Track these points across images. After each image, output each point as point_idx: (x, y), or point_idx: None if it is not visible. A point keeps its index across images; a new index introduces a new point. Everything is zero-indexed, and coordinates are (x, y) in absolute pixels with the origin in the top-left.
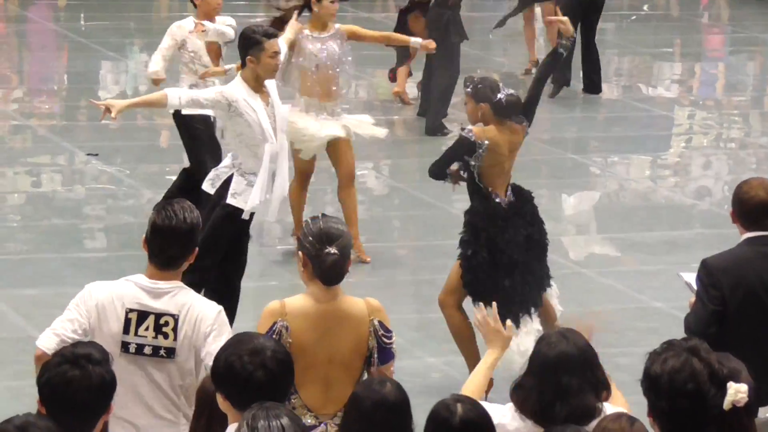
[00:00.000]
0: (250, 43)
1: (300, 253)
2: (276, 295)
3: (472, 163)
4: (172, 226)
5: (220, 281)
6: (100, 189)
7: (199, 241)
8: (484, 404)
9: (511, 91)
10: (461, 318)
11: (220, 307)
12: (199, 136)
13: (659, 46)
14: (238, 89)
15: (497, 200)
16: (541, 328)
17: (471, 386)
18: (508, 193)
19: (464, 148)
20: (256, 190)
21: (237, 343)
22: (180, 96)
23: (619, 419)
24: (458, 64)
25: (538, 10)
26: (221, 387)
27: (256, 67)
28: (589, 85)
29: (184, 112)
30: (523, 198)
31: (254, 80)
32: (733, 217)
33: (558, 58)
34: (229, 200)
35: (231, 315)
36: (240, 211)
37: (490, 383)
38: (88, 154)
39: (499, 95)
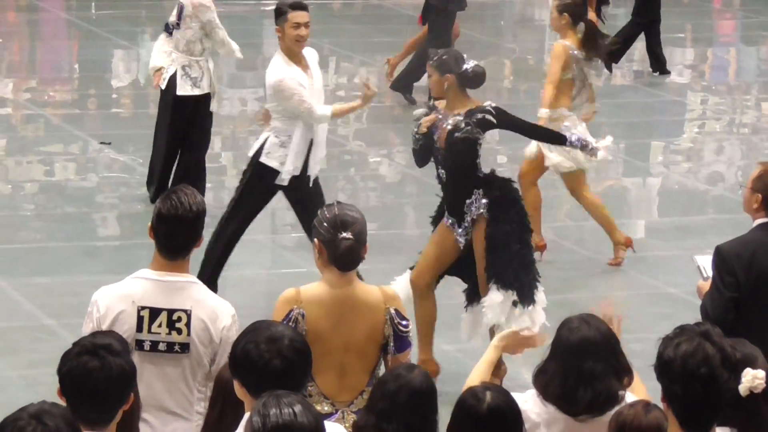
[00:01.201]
0: (276, 14)
1: (315, 240)
2: (288, 283)
3: (480, 140)
4: (179, 214)
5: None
6: (112, 177)
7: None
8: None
9: (477, 62)
10: (432, 301)
11: (233, 309)
12: (175, 127)
13: (671, 31)
14: (276, 60)
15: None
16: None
17: (476, 380)
18: None
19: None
20: (291, 156)
21: (255, 330)
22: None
23: (635, 406)
24: (450, 33)
25: None
26: (238, 374)
27: (282, 37)
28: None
29: (180, 93)
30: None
31: (287, 51)
32: (748, 202)
33: None
34: (262, 158)
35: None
36: (269, 169)
37: (504, 370)
38: (101, 143)
39: (464, 66)
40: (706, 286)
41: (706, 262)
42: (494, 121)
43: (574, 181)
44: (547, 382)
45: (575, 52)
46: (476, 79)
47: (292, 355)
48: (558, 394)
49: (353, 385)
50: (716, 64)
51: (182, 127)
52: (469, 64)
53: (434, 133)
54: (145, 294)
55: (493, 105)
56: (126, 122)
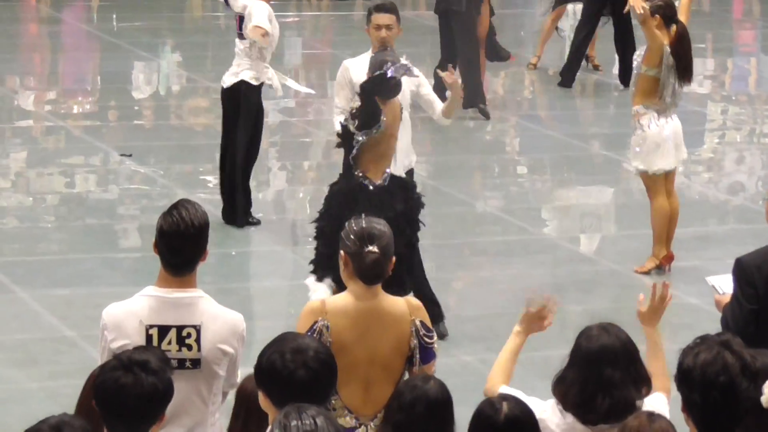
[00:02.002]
0: (366, 15)
1: (342, 251)
2: (308, 295)
3: (359, 138)
4: (180, 230)
5: None
6: (133, 189)
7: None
8: (527, 399)
9: (396, 74)
10: None
11: (242, 318)
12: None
13: (691, 41)
14: (360, 58)
15: (365, 183)
16: None
17: (499, 371)
18: (384, 176)
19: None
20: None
21: (280, 341)
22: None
23: (639, 416)
24: (476, 34)
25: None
26: (262, 385)
27: (371, 39)
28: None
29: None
30: (400, 187)
31: (375, 51)
32: None
33: None
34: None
35: None
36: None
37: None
38: (122, 155)
39: (385, 69)
40: (724, 299)
41: (719, 281)
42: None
43: (649, 181)
44: (566, 390)
45: (668, 52)
46: (390, 87)
47: (317, 366)
48: (577, 401)
49: (377, 398)
50: (737, 74)
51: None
52: (391, 70)
53: None
54: (152, 312)
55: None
56: (147, 134)
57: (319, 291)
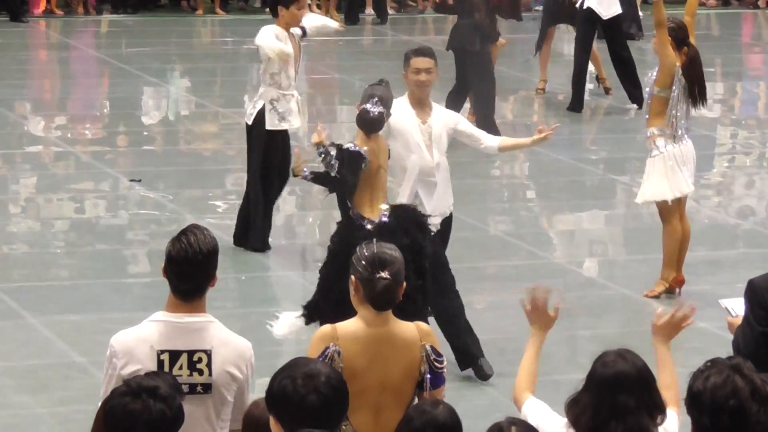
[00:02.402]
0: (404, 60)
1: (352, 277)
2: None
3: (333, 174)
4: (189, 257)
5: None
6: (143, 214)
7: None
8: (542, 415)
9: (379, 109)
10: None
11: (250, 345)
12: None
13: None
14: (402, 101)
15: (363, 223)
16: None
17: (525, 376)
18: (383, 213)
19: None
20: (404, 197)
21: (292, 366)
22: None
23: None
24: (490, 71)
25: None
26: (273, 410)
27: (406, 81)
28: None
29: (269, 128)
30: (404, 217)
31: (411, 96)
32: None
33: None
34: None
35: None
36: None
37: None
38: (131, 180)
39: (367, 106)
40: (737, 322)
41: (732, 304)
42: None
43: (662, 204)
44: (579, 414)
45: (680, 73)
46: (372, 122)
47: (328, 391)
48: (589, 426)
49: (388, 424)
50: (746, 98)
51: (273, 161)
52: (374, 107)
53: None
54: (162, 337)
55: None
56: (156, 159)
57: (283, 326)
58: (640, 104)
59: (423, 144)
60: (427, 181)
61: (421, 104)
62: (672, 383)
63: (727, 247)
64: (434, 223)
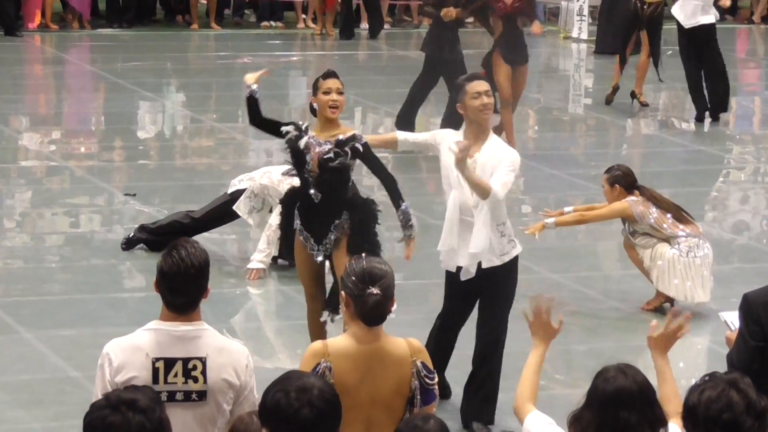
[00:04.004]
0: (457, 91)
1: (342, 292)
2: None
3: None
4: (180, 271)
5: None
6: None
7: None
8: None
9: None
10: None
11: (247, 350)
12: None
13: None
14: (451, 131)
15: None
16: None
17: (525, 386)
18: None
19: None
20: (443, 234)
21: (286, 379)
22: (406, 137)
23: None
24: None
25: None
26: (267, 423)
27: (465, 113)
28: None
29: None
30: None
31: (468, 126)
32: None
33: None
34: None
35: None
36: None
37: None
38: (126, 195)
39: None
40: (734, 336)
41: (732, 317)
42: (362, 154)
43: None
44: (582, 430)
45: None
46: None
47: (322, 405)
48: None
49: None
50: (741, 113)
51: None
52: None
53: (307, 155)
54: (157, 346)
55: (363, 141)
56: (152, 174)
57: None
58: (716, 117)
59: (463, 180)
60: (464, 220)
61: (478, 135)
62: (673, 395)
63: (722, 262)
64: (466, 268)
